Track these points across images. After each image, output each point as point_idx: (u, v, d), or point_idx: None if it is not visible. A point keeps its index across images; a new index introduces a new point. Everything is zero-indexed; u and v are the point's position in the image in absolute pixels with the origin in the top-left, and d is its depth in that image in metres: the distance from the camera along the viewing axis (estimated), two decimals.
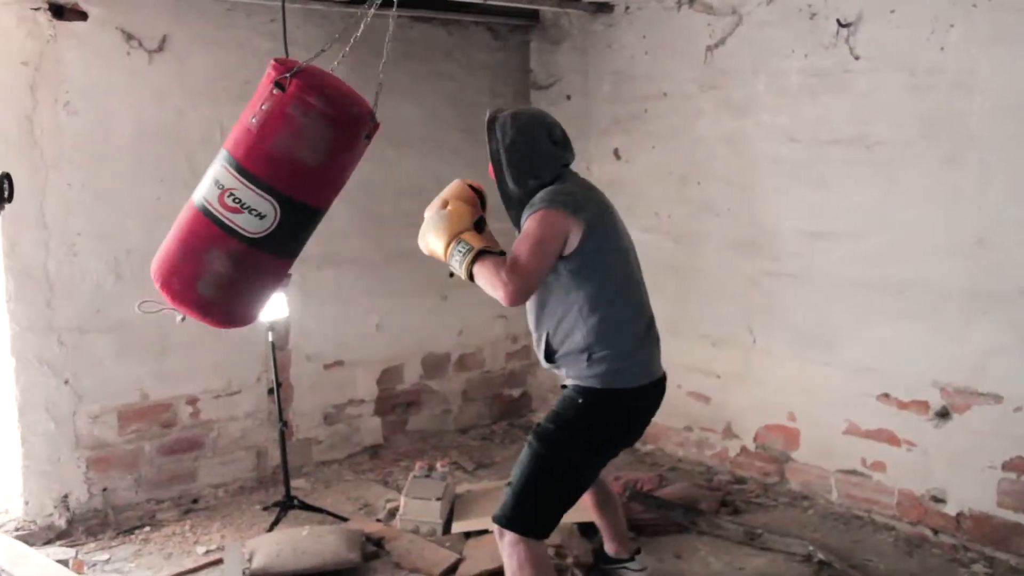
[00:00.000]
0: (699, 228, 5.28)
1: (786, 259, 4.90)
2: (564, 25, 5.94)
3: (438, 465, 4.78)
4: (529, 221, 3.12)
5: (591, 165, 5.78)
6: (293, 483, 4.86)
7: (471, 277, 3.06)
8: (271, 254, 2.99)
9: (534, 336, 3.39)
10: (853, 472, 4.73)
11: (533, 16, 6.02)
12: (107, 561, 4.33)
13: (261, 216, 2.88)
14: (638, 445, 5.52)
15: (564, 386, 3.42)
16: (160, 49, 4.75)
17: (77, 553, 4.35)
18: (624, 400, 3.27)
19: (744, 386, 5.16)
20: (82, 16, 4.49)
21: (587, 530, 4.31)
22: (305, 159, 2.88)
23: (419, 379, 5.87)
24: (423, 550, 4.31)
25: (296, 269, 5.17)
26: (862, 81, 4.52)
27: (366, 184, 5.41)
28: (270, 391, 5.10)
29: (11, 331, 4.42)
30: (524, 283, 2.99)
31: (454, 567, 4.16)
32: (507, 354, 6.32)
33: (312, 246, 5.22)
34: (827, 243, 4.73)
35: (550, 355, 3.33)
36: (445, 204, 3.23)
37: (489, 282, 3.01)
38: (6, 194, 3.32)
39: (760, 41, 4.92)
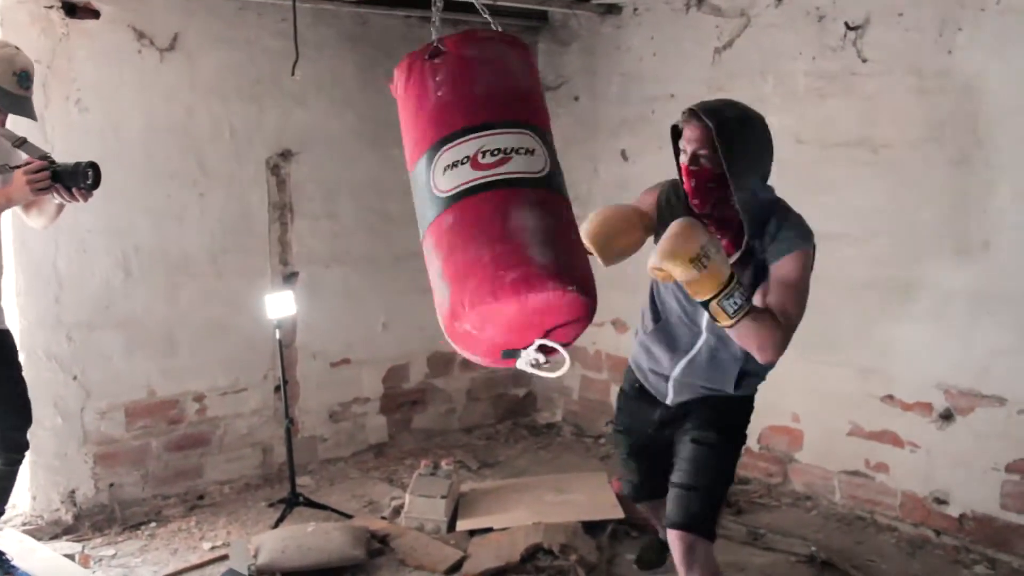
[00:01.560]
0: None
1: None
2: (573, 26, 5.96)
3: (443, 463, 4.80)
4: (794, 263, 2.92)
5: (598, 166, 5.80)
6: (299, 480, 4.89)
7: (736, 322, 2.77)
8: (560, 194, 2.44)
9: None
10: (856, 473, 4.74)
11: (542, 17, 6.04)
12: (113, 556, 4.35)
13: (530, 151, 2.36)
14: None
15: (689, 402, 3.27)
16: (171, 48, 4.78)
17: (84, 548, 4.38)
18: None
19: None
20: (94, 14, 4.52)
21: (592, 529, 4.33)
22: (511, 84, 2.48)
23: (424, 378, 5.88)
24: (428, 547, 4.33)
25: (303, 267, 5.24)
26: (870, 84, 4.54)
27: (374, 183, 5.44)
28: (276, 389, 5.12)
29: (20, 326, 4.44)
30: (788, 340, 2.90)
31: (458, 564, 4.17)
32: None
33: (320, 244, 5.33)
34: (833, 244, 4.70)
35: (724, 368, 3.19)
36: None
37: (758, 339, 2.83)
38: (91, 180, 3.40)
39: (768, 43, 4.93)
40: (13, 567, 3.98)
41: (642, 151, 5.58)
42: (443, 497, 4.54)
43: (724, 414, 3.24)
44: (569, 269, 2.25)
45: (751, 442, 5.16)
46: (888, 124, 4.49)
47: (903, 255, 4.48)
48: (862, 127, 4.59)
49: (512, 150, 2.32)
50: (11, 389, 3.74)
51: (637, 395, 3.43)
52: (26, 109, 3.51)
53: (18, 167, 3.42)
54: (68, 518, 4.60)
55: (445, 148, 2.35)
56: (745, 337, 2.83)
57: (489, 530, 4.41)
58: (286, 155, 5.20)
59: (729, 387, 3.20)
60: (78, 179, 3.39)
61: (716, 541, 3.14)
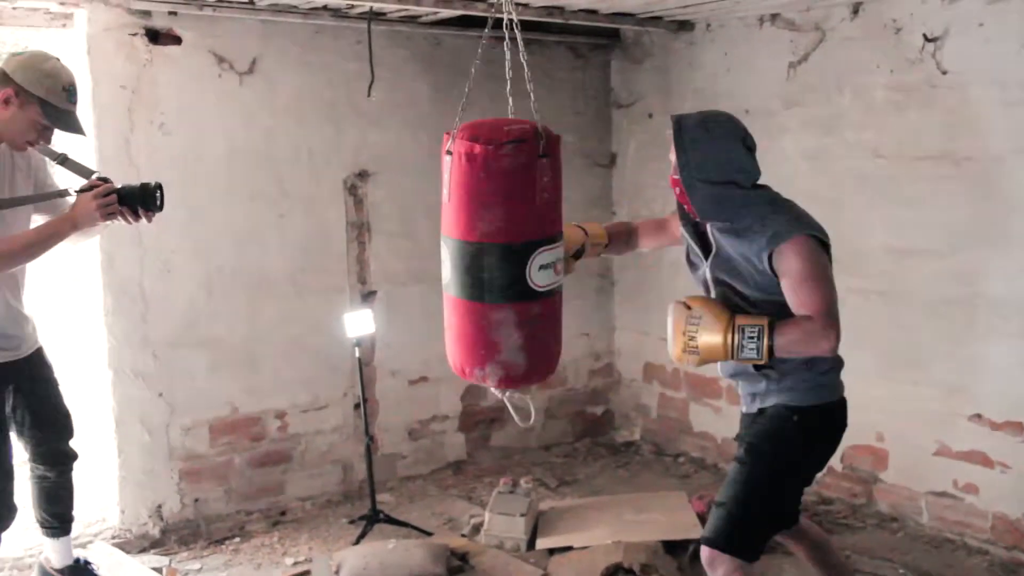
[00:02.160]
0: None
1: (874, 277, 4.82)
2: (645, 44, 5.94)
3: (522, 481, 4.80)
4: (788, 259, 2.91)
5: None
6: (379, 497, 4.91)
7: (770, 353, 2.81)
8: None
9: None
10: (944, 494, 4.62)
11: (614, 35, 6.03)
12: (199, 571, 4.43)
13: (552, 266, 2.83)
14: (722, 464, 5.49)
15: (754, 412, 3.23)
16: (250, 71, 4.87)
17: (171, 561, 4.47)
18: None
19: None
20: (176, 40, 4.63)
21: (672, 549, 4.29)
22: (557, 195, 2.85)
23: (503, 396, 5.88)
24: (507, 566, 4.32)
25: (381, 286, 5.29)
26: (950, 96, 4.45)
27: None
28: (356, 406, 5.17)
29: (108, 345, 4.56)
30: (837, 321, 2.84)
31: None
32: (590, 371, 6.32)
33: (398, 263, 5.37)
34: (917, 260, 4.64)
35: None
36: (683, 304, 2.98)
37: (805, 343, 2.83)
38: (159, 203, 3.42)
39: (844, 56, 4.86)
40: None
41: None
42: (522, 515, 4.53)
43: (762, 428, 3.15)
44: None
45: (834, 462, 5.07)
46: (970, 136, 4.40)
47: (989, 270, 4.37)
48: (943, 140, 4.49)
49: (560, 261, 2.85)
50: (50, 405, 3.78)
51: None
52: (74, 124, 3.45)
53: (81, 191, 3.39)
54: (155, 532, 4.70)
55: (543, 249, 2.76)
56: (790, 351, 2.87)
57: (569, 549, 4.40)
58: (363, 175, 5.26)
59: (769, 398, 3.13)
60: (147, 201, 3.40)
61: (800, 562, 3.06)
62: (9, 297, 3.50)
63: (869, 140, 4.77)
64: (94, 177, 3.44)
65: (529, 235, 2.74)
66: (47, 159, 3.57)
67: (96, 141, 4.41)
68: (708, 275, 3.16)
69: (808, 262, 2.90)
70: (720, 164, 3.02)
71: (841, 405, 3.20)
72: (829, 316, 2.82)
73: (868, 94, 4.78)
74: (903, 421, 4.77)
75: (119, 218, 3.40)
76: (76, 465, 3.91)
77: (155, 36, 4.57)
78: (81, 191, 3.39)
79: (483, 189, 2.72)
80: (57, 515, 3.89)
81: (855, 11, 4.78)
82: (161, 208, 3.45)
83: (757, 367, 3.04)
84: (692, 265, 3.29)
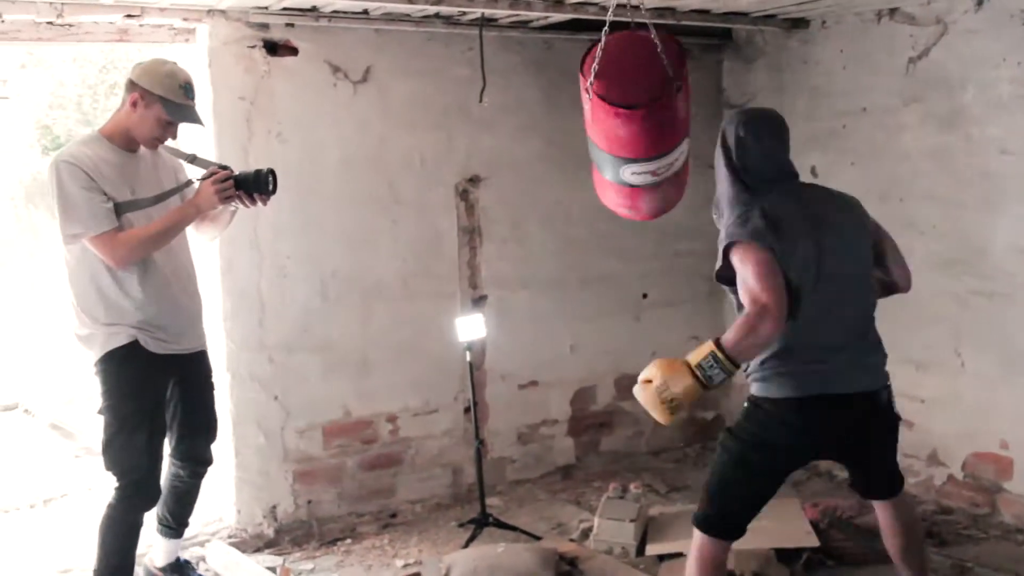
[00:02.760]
0: (900, 246, 5.09)
1: (998, 277, 4.66)
2: (758, 43, 5.85)
3: (632, 487, 4.76)
4: (734, 259, 3.11)
5: None
6: (488, 501, 4.93)
7: (734, 363, 2.93)
8: None
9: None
10: None
11: (726, 35, 5.96)
12: (311, 571, 4.50)
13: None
14: (837, 471, 5.36)
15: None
16: (364, 80, 4.95)
17: (284, 561, 4.55)
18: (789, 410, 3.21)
19: (951, 411, 4.92)
20: (293, 52, 4.74)
21: (785, 556, 4.21)
22: None
23: (612, 400, 5.87)
24: (617, 571, 4.30)
25: (492, 291, 5.32)
26: None
27: (562, 207, 5.48)
28: (466, 410, 5.21)
29: (227, 348, 4.68)
30: (770, 301, 2.93)
31: None
32: None
33: (508, 268, 5.40)
34: None
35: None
36: (640, 386, 3.09)
37: (752, 336, 2.93)
38: (271, 187, 3.71)
39: (967, 50, 4.71)
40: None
41: (832, 167, 5.40)
42: (632, 521, 4.50)
43: (740, 415, 3.31)
44: None
45: (954, 470, 4.92)
46: None
47: None
48: None
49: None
50: (202, 406, 4.01)
51: None
52: (193, 116, 3.71)
53: (203, 179, 3.71)
54: (270, 532, 4.80)
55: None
56: (753, 351, 3.02)
57: (679, 555, 4.34)
58: (474, 180, 5.30)
59: (749, 388, 3.27)
60: (260, 186, 3.69)
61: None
62: (175, 290, 3.76)
63: (995, 136, 4.61)
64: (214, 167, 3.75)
65: None
66: (180, 160, 3.88)
67: (216, 150, 4.54)
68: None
69: (740, 264, 3.06)
70: (721, 164, 3.27)
71: (814, 402, 3.16)
72: (755, 302, 2.94)
73: (993, 89, 4.62)
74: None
75: (236, 202, 3.72)
76: (209, 471, 4.09)
77: (273, 48, 4.68)
78: (202, 179, 3.71)
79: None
80: (177, 516, 4.04)
81: (979, 2, 4.63)
82: (274, 191, 3.73)
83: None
84: None
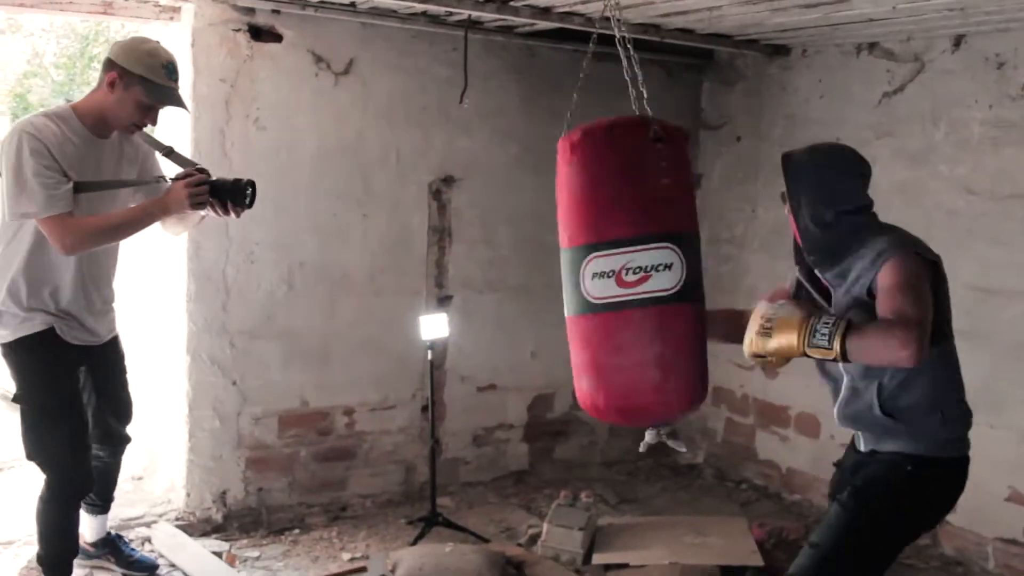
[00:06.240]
0: None
1: (958, 317, 4.70)
2: (739, 66, 5.91)
3: (582, 495, 4.79)
4: (889, 273, 2.71)
5: (757, 208, 5.73)
6: (439, 500, 4.94)
7: (843, 354, 2.52)
8: (691, 302, 2.79)
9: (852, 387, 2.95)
10: (1013, 542, 4.51)
11: (707, 56, 6.02)
12: (257, 559, 4.50)
13: (668, 266, 2.72)
14: (785, 494, 5.42)
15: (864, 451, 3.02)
16: (346, 72, 4.95)
17: (231, 547, 4.55)
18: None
19: None
20: (277, 38, 4.73)
21: (729, 574, 4.26)
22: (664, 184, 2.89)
23: (569, 409, 5.88)
24: None
25: (458, 292, 5.33)
26: None
27: (533, 212, 5.50)
28: (424, 409, 5.22)
29: (188, 330, 4.66)
30: (923, 332, 2.55)
31: None
32: None
33: (476, 270, 5.41)
34: (1001, 301, 4.54)
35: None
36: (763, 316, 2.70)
37: (884, 347, 2.50)
38: (248, 200, 3.52)
39: (942, 89, 4.79)
40: (136, 553, 4.25)
41: None
42: (581, 529, 4.53)
43: (872, 474, 2.91)
44: (678, 392, 2.86)
45: None
46: None
47: None
48: None
49: (652, 268, 2.71)
50: (115, 390, 3.91)
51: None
52: (175, 99, 3.50)
53: (177, 179, 3.50)
54: (218, 517, 4.78)
55: (584, 256, 2.95)
56: (866, 353, 2.55)
57: (625, 566, 4.38)
58: (448, 181, 5.32)
59: (884, 442, 2.90)
60: (237, 197, 3.49)
61: None
62: (93, 291, 3.61)
63: (962, 175, 4.69)
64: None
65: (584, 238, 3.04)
66: (155, 151, 3.70)
67: (192, 132, 4.53)
68: None
69: (902, 274, 2.68)
70: (827, 198, 2.89)
71: (963, 463, 3.00)
72: (912, 323, 2.52)
73: (964, 128, 4.70)
74: (975, 464, 4.55)
75: (208, 209, 3.51)
76: (127, 448, 4.04)
77: (257, 33, 4.67)
78: (176, 178, 3.51)
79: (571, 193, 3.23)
80: (100, 493, 3.99)
81: (957, 43, 4.71)
82: (250, 206, 3.54)
83: (883, 411, 2.85)
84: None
